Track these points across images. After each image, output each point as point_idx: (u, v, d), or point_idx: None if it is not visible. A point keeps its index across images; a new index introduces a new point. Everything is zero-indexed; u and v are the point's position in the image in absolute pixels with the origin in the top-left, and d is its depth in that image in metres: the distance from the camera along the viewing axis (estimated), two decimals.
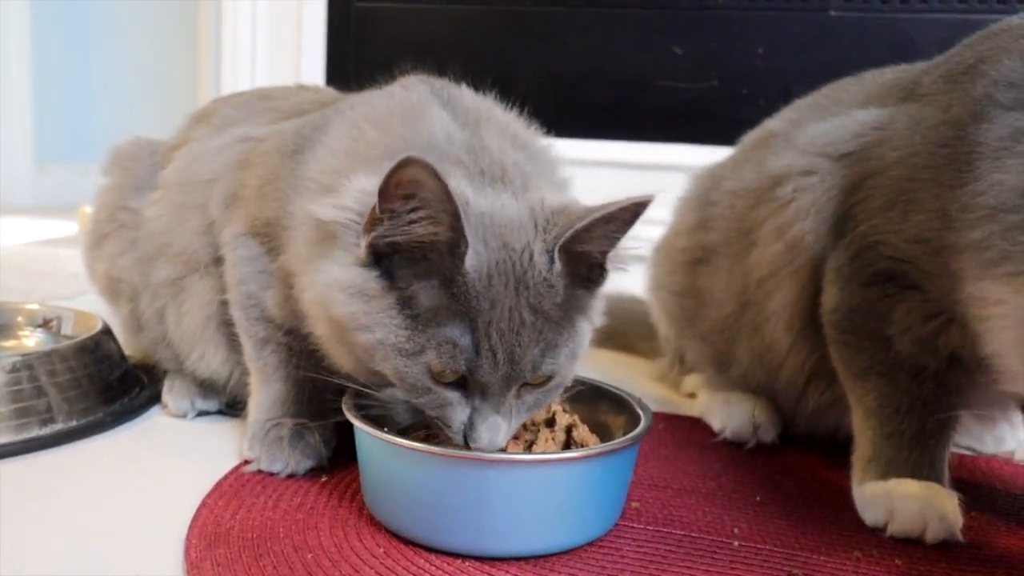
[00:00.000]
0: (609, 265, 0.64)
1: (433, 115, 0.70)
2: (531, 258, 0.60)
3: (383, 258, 0.61)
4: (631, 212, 0.59)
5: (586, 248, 0.61)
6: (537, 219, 0.62)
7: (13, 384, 0.82)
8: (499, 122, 0.73)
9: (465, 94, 0.75)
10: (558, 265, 0.60)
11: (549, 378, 0.63)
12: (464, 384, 0.61)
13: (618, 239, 0.61)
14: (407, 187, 0.57)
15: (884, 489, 0.72)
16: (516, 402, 0.62)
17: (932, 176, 0.72)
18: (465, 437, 0.61)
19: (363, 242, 0.60)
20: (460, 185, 0.60)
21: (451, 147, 0.66)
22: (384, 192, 0.57)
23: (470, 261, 0.58)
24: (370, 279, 0.61)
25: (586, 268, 0.63)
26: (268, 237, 0.74)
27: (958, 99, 0.73)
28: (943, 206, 0.70)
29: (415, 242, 0.59)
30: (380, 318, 0.60)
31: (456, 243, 0.58)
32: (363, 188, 0.63)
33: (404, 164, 0.55)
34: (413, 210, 0.58)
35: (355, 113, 0.73)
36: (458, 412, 0.61)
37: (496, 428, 0.60)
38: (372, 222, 0.59)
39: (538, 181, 0.67)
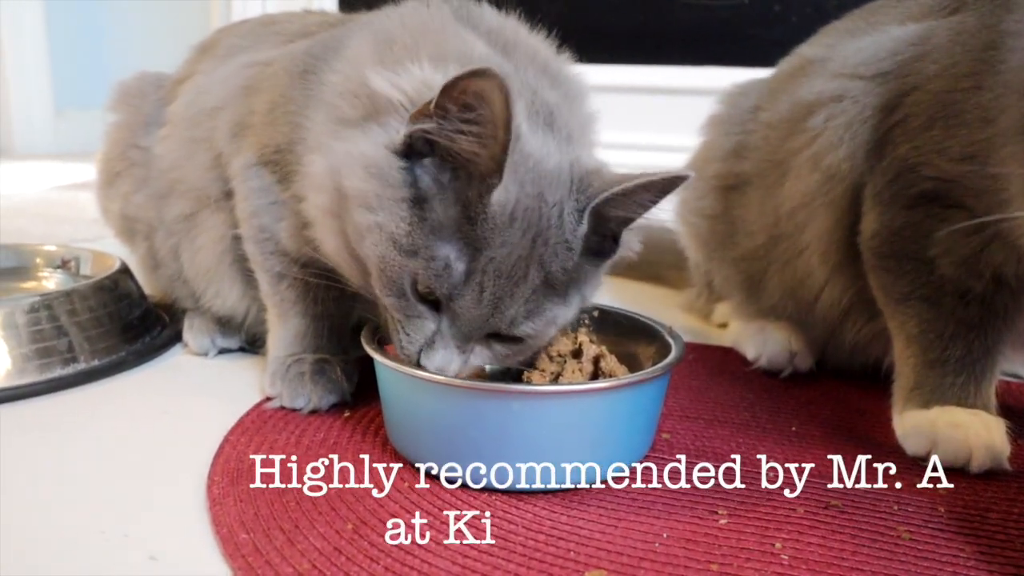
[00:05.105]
0: (622, 243, 0.63)
1: (468, 36, 0.65)
2: (560, 215, 0.58)
3: (415, 155, 0.58)
4: (669, 183, 0.58)
5: (615, 213, 0.60)
6: (573, 177, 0.59)
7: (33, 324, 0.81)
8: (527, 48, 0.68)
9: (488, 13, 0.70)
10: (584, 227, 0.59)
11: (521, 339, 0.62)
12: (438, 305, 0.59)
13: (646, 209, 0.60)
14: (472, 97, 0.53)
15: (927, 418, 0.69)
16: (480, 345, 0.61)
17: (975, 83, 0.68)
18: (419, 353, 0.60)
19: (404, 130, 0.57)
20: (520, 117, 0.56)
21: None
22: (447, 91, 0.54)
23: (498, 196, 0.56)
24: (394, 167, 0.58)
25: (599, 239, 0.61)
26: (279, 165, 0.71)
27: (1003, 2, 0.69)
28: (986, 113, 0.65)
29: (455, 152, 0.56)
30: (389, 204, 0.58)
31: (491, 173, 0.55)
32: (424, 79, 0.60)
33: (481, 73, 0.52)
34: (467, 121, 0.54)
35: (378, 27, 0.68)
36: (423, 327, 0.60)
37: (449, 360, 0.60)
38: (421, 115, 0.56)
39: (580, 134, 0.64)
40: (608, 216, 0.60)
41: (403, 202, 0.57)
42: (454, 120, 0.55)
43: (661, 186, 0.58)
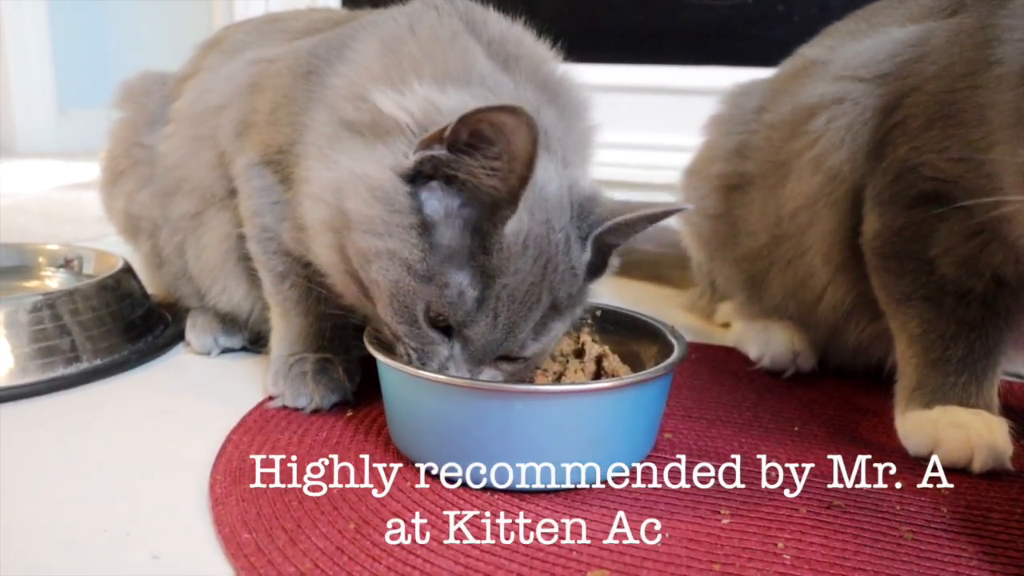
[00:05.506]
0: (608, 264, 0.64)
1: (473, 49, 0.65)
2: (567, 241, 0.59)
3: (419, 178, 0.58)
4: (667, 214, 0.60)
5: (611, 240, 0.61)
6: (573, 203, 0.60)
7: (36, 323, 0.81)
8: (529, 62, 0.68)
9: (492, 20, 0.70)
10: (588, 254, 0.60)
11: (527, 358, 0.62)
12: (448, 331, 0.60)
13: (637, 234, 0.62)
14: (496, 132, 0.53)
15: (929, 418, 0.69)
16: (490, 367, 0.62)
17: (972, 83, 0.68)
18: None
19: (413, 155, 0.57)
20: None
21: (501, 95, 0.62)
22: (468, 121, 0.53)
23: (511, 227, 0.56)
24: (401, 192, 0.58)
25: (593, 262, 0.62)
26: (281, 165, 0.71)
27: (999, 2, 0.69)
28: (982, 111, 0.66)
29: (471, 181, 0.56)
30: (398, 231, 0.57)
31: (507, 205, 0.55)
32: (432, 100, 0.59)
33: (509, 110, 0.51)
34: (487, 156, 0.54)
35: (385, 32, 0.68)
36: (437, 353, 0.60)
37: None
38: (434, 141, 0.56)
39: (575, 153, 0.65)
40: (606, 243, 0.62)
41: (412, 229, 0.57)
42: (473, 153, 0.55)
43: (660, 216, 0.60)
